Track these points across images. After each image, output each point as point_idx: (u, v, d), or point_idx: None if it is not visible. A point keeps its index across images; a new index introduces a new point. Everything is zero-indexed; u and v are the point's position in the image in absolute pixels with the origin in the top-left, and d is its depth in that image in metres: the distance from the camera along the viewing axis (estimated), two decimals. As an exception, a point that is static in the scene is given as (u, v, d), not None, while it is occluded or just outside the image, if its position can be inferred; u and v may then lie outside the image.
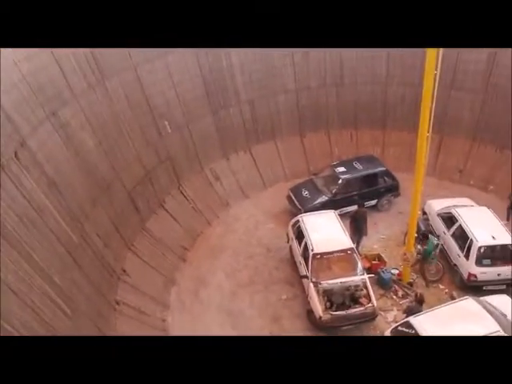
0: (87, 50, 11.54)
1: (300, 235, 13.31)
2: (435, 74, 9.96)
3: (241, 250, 14.60)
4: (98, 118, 11.91)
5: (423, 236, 13.74)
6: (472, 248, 12.68)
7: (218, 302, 12.84)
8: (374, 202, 15.97)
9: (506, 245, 12.74)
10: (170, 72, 14.41)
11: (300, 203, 15.39)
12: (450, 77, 16.21)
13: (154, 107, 14.07)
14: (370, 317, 11.93)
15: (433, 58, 9.71)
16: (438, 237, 13.94)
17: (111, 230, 11.95)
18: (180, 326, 11.97)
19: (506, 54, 15.38)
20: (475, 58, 16.02)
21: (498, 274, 12.68)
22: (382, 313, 12.48)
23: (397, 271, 13.46)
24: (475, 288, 12.71)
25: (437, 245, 13.33)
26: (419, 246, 13.64)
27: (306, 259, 12.53)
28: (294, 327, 12.20)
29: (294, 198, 15.75)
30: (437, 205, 15.00)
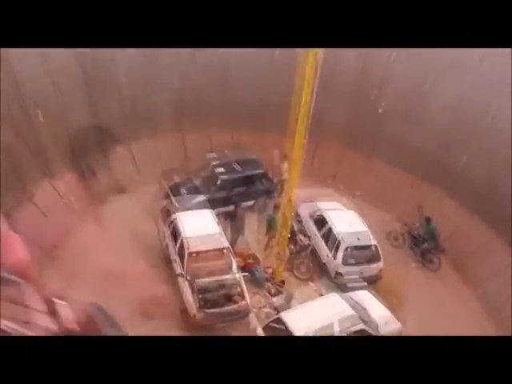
0: None
1: (176, 233, 13.12)
2: (312, 83, 10.45)
3: (115, 247, 14.06)
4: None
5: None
6: (339, 248, 13.51)
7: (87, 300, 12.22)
8: (251, 203, 16.33)
9: (369, 245, 13.80)
10: (45, 58, 13.46)
11: (178, 201, 15.21)
12: (325, 86, 17.02)
13: (25, 94, 13.05)
14: (244, 314, 12.16)
15: (312, 65, 10.15)
16: (309, 238, 14.67)
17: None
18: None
19: (375, 68, 16.66)
20: (346, 68, 17.13)
21: (361, 273, 13.67)
22: (255, 310, 12.77)
23: (270, 270, 13.89)
24: (341, 285, 13.57)
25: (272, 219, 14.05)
26: (292, 246, 14.26)
27: (181, 257, 12.41)
28: (167, 326, 12.02)
29: (172, 195, 15.53)
30: (310, 208, 15.75)
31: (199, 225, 13.23)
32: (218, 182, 15.68)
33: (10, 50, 12.20)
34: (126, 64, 15.75)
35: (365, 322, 11.25)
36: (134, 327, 11.70)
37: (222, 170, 16.08)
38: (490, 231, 14.74)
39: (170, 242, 13.37)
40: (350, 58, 16.87)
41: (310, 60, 10.14)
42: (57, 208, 14.01)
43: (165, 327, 11.96)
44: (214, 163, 16.61)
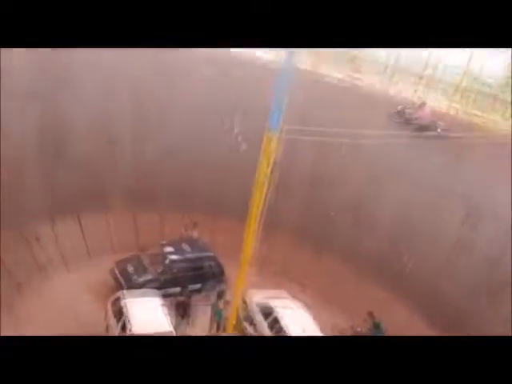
0: None
1: (119, 314, 12.53)
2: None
3: (54, 324, 12.98)
4: None
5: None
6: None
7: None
8: (198, 286, 15.92)
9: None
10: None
11: (124, 279, 14.67)
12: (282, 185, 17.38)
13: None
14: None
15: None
16: (255, 326, 14.34)
17: None
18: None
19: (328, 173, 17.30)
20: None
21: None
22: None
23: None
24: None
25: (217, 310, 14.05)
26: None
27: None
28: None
29: (117, 272, 14.96)
30: (257, 295, 15.48)
31: (144, 307, 12.70)
32: (167, 261, 15.29)
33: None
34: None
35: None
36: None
37: (170, 249, 15.77)
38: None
39: (112, 321, 12.64)
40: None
41: (267, 147, 10.40)
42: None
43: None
44: (164, 242, 16.24)
